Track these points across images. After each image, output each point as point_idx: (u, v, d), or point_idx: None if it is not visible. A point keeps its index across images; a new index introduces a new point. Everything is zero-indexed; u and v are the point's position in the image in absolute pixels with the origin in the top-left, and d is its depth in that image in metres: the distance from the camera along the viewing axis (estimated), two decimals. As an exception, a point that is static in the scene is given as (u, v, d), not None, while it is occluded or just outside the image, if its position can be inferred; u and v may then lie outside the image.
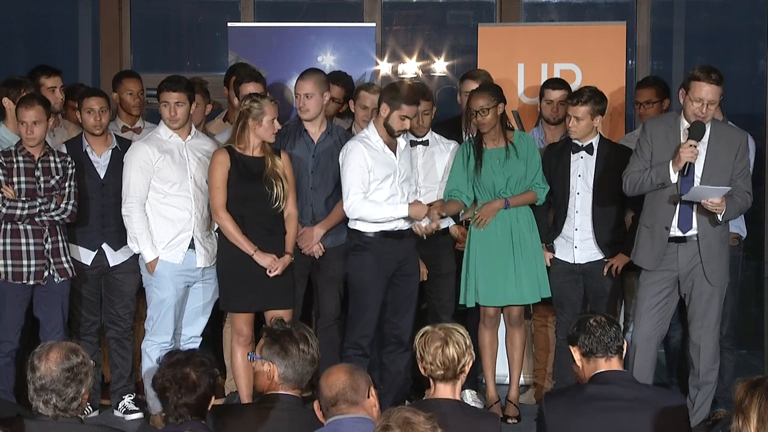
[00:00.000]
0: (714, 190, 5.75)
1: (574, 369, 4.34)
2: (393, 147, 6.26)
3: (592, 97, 6.34)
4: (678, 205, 5.88)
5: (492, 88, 6.49)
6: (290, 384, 4.14)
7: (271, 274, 6.04)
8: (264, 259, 6.05)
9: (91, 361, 3.93)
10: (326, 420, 3.92)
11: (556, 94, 6.81)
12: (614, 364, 4.23)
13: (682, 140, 5.82)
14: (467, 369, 4.25)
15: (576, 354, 4.27)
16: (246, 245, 6.05)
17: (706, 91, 5.74)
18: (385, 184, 6.21)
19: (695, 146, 5.76)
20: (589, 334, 4.22)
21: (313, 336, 4.22)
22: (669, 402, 4.17)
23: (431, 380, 4.26)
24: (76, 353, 3.86)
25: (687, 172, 5.79)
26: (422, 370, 4.27)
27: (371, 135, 6.25)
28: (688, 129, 5.81)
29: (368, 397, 3.93)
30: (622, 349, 4.26)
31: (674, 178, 5.82)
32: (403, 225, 6.24)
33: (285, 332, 4.16)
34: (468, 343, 4.26)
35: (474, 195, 6.47)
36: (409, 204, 6.19)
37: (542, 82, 7.04)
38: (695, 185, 5.79)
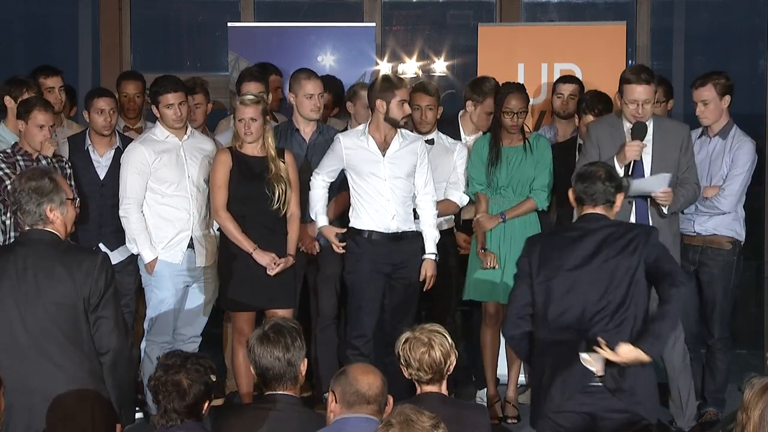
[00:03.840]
0: (655, 180, 5.85)
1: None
2: (385, 148, 6.22)
3: (607, 106, 6.47)
4: (633, 203, 5.94)
5: (524, 88, 6.60)
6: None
7: (271, 273, 6.05)
8: (263, 258, 6.05)
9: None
10: (339, 413, 3.89)
11: (567, 88, 6.92)
12: (598, 210, 4.72)
13: (627, 140, 5.90)
14: (452, 369, 4.28)
15: (571, 195, 4.79)
16: (245, 244, 6.05)
17: (638, 92, 5.88)
18: (368, 180, 6.18)
19: (640, 145, 5.88)
20: (580, 182, 4.73)
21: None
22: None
23: (417, 383, 4.28)
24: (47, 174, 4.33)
25: (632, 171, 5.87)
26: (407, 375, 4.28)
27: (362, 132, 6.24)
28: (630, 130, 5.92)
29: (387, 404, 3.94)
30: (611, 201, 4.73)
31: (620, 173, 5.87)
32: (400, 227, 6.22)
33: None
34: (450, 342, 4.28)
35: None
36: (324, 225, 6.22)
37: (546, 81, 7.15)
38: (634, 180, 5.87)
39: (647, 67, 6.05)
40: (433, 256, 6.23)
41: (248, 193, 6.09)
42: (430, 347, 4.25)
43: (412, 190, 6.28)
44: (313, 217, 6.28)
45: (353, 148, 6.20)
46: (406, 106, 6.18)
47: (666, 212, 5.92)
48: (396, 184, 6.20)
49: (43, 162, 6.17)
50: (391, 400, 3.97)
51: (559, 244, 4.71)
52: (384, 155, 6.19)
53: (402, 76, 6.60)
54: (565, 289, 4.62)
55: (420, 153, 6.27)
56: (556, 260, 4.67)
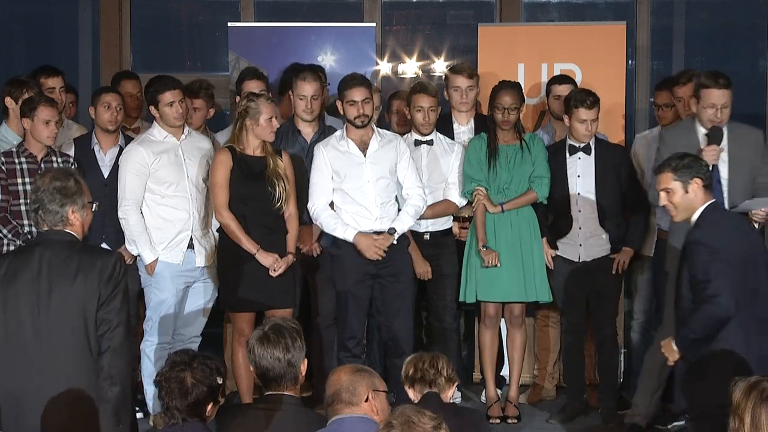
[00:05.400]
0: (763, 202, 5.86)
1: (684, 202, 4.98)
2: (364, 149, 6.23)
3: (597, 98, 6.40)
4: None
5: (519, 86, 6.57)
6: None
7: (274, 274, 6.04)
8: (266, 259, 6.05)
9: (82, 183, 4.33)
10: (328, 417, 3.93)
11: (563, 89, 6.83)
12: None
13: (702, 146, 5.85)
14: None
15: (699, 184, 4.95)
16: (248, 245, 6.04)
17: (717, 96, 5.84)
18: (352, 183, 6.18)
19: (717, 150, 5.85)
20: (705, 169, 5.00)
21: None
22: None
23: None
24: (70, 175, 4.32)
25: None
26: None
27: (340, 137, 6.25)
28: (706, 135, 5.88)
29: (366, 400, 3.93)
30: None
31: None
32: (381, 226, 6.20)
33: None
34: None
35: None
36: (359, 233, 6.12)
37: (546, 81, 7.09)
38: (747, 200, 5.89)
39: (722, 72, 5.97)
40: (394, 231, 6.17)
41: (249, 193, 6.09)
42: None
43: (395, 190, 6.29)
44: (341, 236, 6.16)
45: (334, 153, 6.20)
46: (361, 104, 6.14)
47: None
48: (380, 184, 6.21)
49: (49, 164, 6.18)
50: (373, 394, 3.95)
51: (731, 229, 4.93)
52: (365, 156, 6.20)
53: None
54: (747, 275, 4.83)
55: (401, 151, 6.28)
56: (733, 243, 4.86)
